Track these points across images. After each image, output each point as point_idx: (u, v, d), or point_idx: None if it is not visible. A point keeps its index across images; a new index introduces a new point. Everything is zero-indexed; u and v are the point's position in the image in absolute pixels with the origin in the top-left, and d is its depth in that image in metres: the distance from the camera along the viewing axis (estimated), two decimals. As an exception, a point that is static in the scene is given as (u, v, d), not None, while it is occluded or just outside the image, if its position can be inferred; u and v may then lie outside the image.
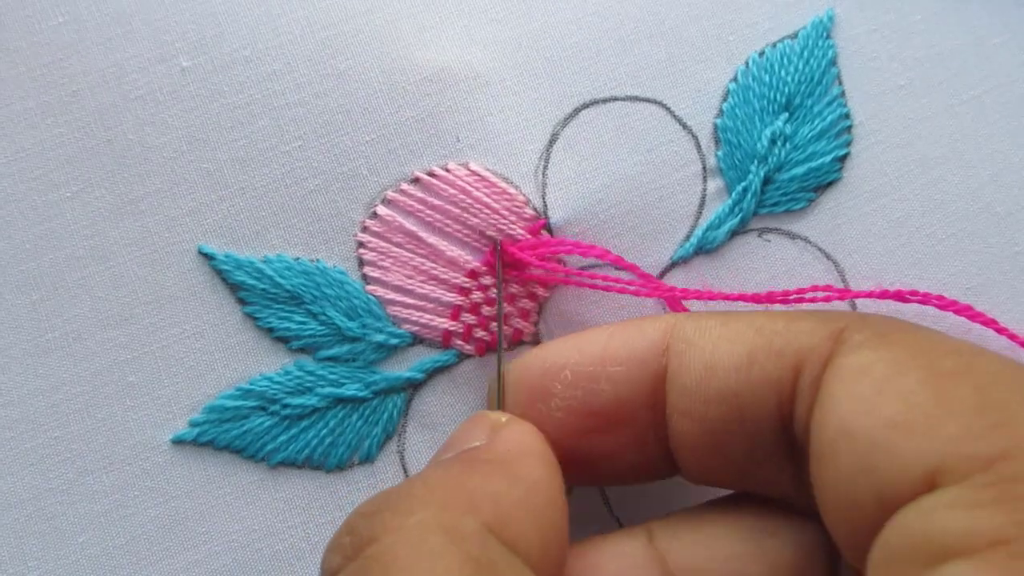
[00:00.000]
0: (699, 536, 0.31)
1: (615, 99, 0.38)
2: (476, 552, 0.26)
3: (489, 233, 0.37)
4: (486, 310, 0.37)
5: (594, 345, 0.32)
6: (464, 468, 0.29)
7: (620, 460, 0.32)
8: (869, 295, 0.36)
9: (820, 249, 0.38)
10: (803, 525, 0.31)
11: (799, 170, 0.38)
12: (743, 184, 0.38)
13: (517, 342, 0.37)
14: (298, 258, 0.37)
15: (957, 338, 0.29)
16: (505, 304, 0.37)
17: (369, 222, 0.37)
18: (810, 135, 0.38)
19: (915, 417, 0.26)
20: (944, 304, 0.36)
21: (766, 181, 0.38)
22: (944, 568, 0.24)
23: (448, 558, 0.26)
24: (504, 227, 0.37)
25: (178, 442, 0.36)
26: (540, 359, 0.32)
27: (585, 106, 0.38)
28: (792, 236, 0.38)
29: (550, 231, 0.37)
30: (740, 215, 0.38)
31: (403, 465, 0.37)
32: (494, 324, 0.37)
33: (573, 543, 0.31)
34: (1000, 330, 0.36)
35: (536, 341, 0.37)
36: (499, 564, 0.26)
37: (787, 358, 0.29)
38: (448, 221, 0.37)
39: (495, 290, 0.37)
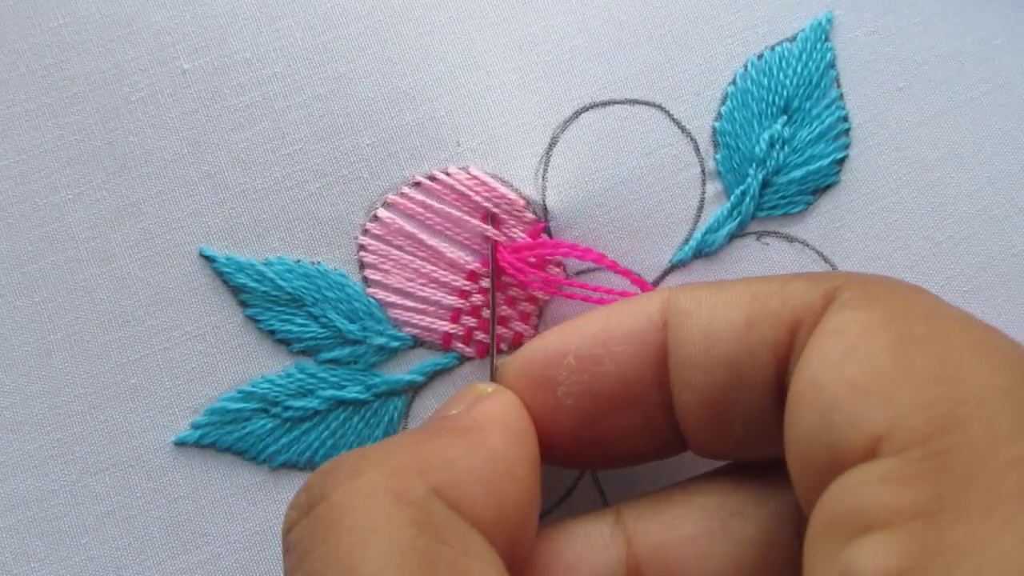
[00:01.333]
0: (664, 516, 0.31)
1: (614, 102, 0.38)
2: (420, 515, 0.26)
3: (488, 233, 0.37)
4: (486, 313, 0.37)
5: (594, 327, 0.32)
6: (427, 434, 0.29)
7: (631, 440, 0.32)
8: None
9: (818, 252, 0.38)
10: (769, 503, 0.31)
11: (797, 173, 0.38)
12: (742, 187, 0.38)
13: (517, 344, 0.37)
14: (299, 260, 0.37)
15: (948, 304, 0.29)
16: (506, 307, 0.37)
17: (370, 225, 0.37)
18: (808, 138, 0.38)
19: (873, 381, 0.26)
20: None
21: (765, 184, 0.38)
22: (859, 541, 0.24)
23: (391, 519, 0.26)
24: (504, 231, 0.37)
25: (180, 444, 0.36)
26: (542, 348, 0.32)
27: (585, 109, 0.38)
28: (790, 239, 0.38)
29: (550, 234, 0.38)
30: (739, 218, 0.38)
31: (404, 467, 0.37)
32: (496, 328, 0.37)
33: (542, 526, 0.31)
34: None
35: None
36: (443, 527, 0.26)
37: (783, 319, 0.29)
38: (448, 224, 0.37)
39: (496, 294, 0.37)
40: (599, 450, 0.32)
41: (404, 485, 0.27)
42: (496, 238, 0.37)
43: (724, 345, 0.30)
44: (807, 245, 0.38)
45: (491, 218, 0.37)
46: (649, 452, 0.33)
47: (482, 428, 0.30)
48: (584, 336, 0.32)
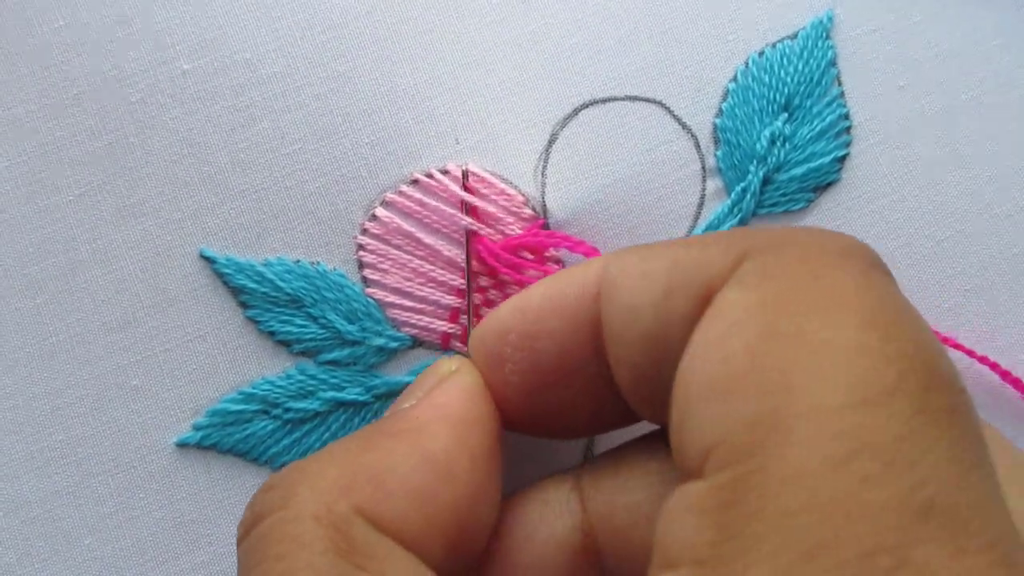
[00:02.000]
0: (616, 481, 0.30)
1: (614, 99, 0.38)
2: (338, 538, 0.26)
3: (462, 223, 0.37)
4: (484, 311, 0.37)
5: (532, 301, 0.31)
6: (365, 441, 0.29)
7: (584, 412, 0.31)
8: None
9: None
10: None
11: (798, 170, 0.38)
12: (742, 184, 0.38)
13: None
14: (298, 260, 0.37)
15: (866, 286, 0.25)
16: (497, 293, 0.37)
17: (368, 224, 0.37)
18: (809, 135, 0.38)
19: (722, 382, 0.23)
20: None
21: (765, 181, 0.38)
22: None
23: (311, 546, 0.26)
24: (503, 228, 0.37)
25: (182, 445, 0.37)
26: (491, 325, 0.31)
27: (584, 106, 0.38)
28: None
29: (548, 230, 0.38)
30: (739, 215, 0.38)
31: (404, 468, 0.37)
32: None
33: (507, 495, 0.31)
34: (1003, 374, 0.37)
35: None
36: (363, 549, 0.26)
37: (698, 289, 0.26)
38: (445, 223, 0.37)
39: (493, 292, 0.37)
40: (556, 422, 0.32)
41: (328, 506, 0.27)
42: (472, 228, 0.37)
43: (645, 320, 0.27)
44: None
45: (466, 208, 0.37)
46: (606, 423, 0.32)
47: (422, 428, 0.29)
48: (524, 312, 0.31)
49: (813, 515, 0.21)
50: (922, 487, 0.21)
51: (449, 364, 0.31)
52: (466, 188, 0.37)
